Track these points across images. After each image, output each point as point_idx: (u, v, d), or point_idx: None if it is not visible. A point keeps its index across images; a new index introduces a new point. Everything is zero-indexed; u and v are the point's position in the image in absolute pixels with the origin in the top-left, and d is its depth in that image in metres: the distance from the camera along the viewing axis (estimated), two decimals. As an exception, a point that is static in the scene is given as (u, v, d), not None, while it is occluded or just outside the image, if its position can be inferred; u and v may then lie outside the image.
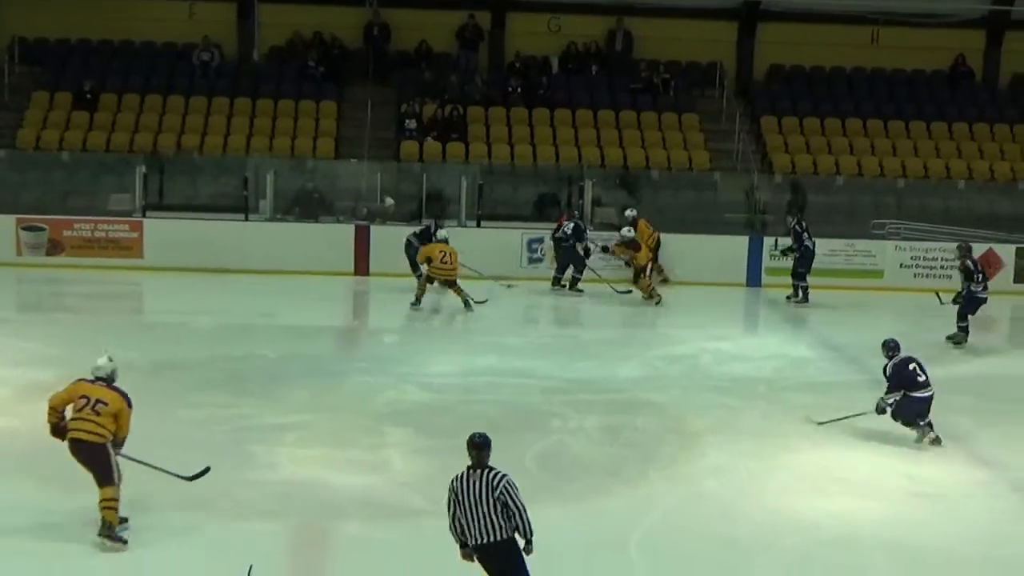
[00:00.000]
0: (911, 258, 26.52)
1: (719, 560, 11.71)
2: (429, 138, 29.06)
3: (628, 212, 25.30)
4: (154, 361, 17.90)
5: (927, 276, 26.20)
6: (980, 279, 21.19)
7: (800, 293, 24.41)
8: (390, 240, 24.14)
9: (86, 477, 11.39)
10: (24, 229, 25.59)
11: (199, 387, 16.90)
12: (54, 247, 25.58)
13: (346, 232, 25.63)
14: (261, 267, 23.55)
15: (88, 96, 29.10)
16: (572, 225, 24.59)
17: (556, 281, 24.66)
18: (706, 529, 12.42)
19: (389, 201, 27.26)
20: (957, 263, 21.51)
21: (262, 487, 13.17)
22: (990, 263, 26.29)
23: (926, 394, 15.16)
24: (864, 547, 12.13)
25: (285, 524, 12.30)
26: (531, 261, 25.58)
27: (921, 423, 15.15)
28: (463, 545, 9.70)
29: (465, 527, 9.57)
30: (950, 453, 15.16)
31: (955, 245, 21.60)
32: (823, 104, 31.26)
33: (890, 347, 15.44)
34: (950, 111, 31.42)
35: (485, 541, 9.46)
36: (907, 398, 15.13)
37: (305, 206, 27.08)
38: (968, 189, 29.15)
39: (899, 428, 15.41)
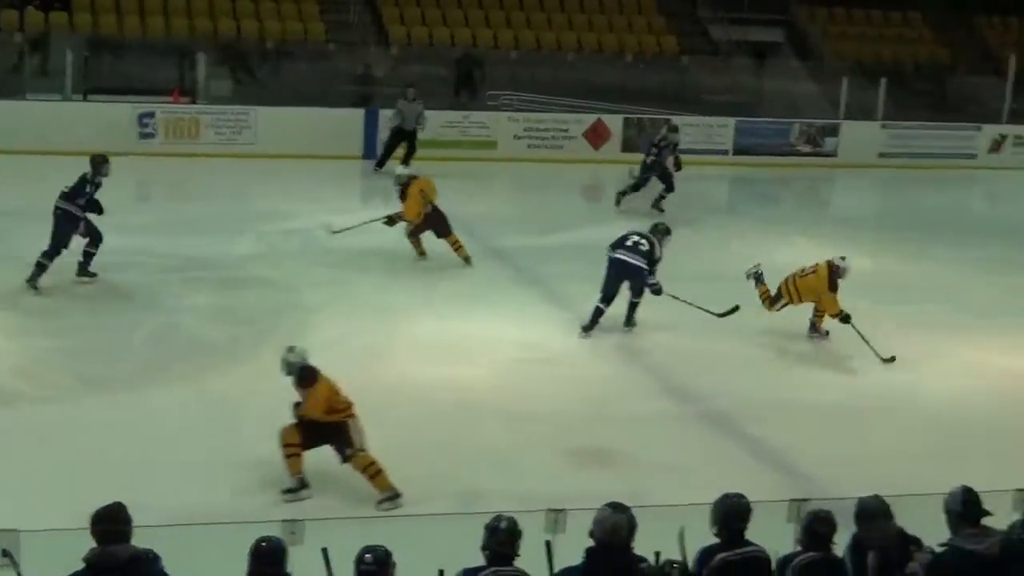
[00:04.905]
0: (524, 129, 26.95)
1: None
2: (31, 7, 27.63)
3: None
4: None
5: (539, 147, 26.72)
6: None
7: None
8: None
9: None
10: None
11: None
12: None
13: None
14: None
15: None
16: None
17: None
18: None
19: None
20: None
21: None
22: (599, 133, 27.05)
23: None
24: (479, 412, 12.41)
25: None
26: (142, 136, 24.72)
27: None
28: None
29: None
30: (558, 318, 15.60)
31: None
32: (438, -26, 31.23)
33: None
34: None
35: None
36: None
37: None
38: (578, 60, 29.80)
39: (515, 296, 15.77)
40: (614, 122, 27.28)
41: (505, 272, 17.87)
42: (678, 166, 21.98)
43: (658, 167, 21.91)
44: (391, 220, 17.91)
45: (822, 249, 19.02)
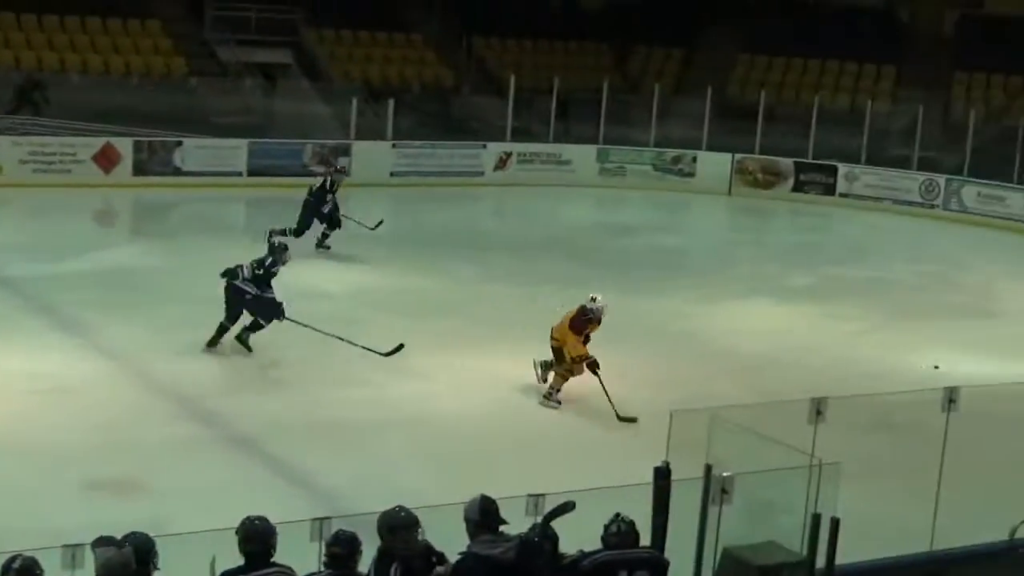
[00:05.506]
0: (29, 153, 25.94)
1: None
2: None
3: None
4: None
5: (46, 171, 25.77)
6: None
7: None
8: None
9: None
10: None
11: None
12: None
13: None
14: None
15: None
16: None
17: None
18: None
19: None
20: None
21: None
22: (109, 157, 26.35)
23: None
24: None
25: None
26: None
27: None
28: None
29: None
30: (71, 346, 15.17)
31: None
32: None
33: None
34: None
35: None
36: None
37: None
38: (83, 83, 29.01)
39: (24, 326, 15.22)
40: (124, 145, 26.58)
41: (14, 301, 17.16)
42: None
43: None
44: None
45: (340, 268, 19.33)
